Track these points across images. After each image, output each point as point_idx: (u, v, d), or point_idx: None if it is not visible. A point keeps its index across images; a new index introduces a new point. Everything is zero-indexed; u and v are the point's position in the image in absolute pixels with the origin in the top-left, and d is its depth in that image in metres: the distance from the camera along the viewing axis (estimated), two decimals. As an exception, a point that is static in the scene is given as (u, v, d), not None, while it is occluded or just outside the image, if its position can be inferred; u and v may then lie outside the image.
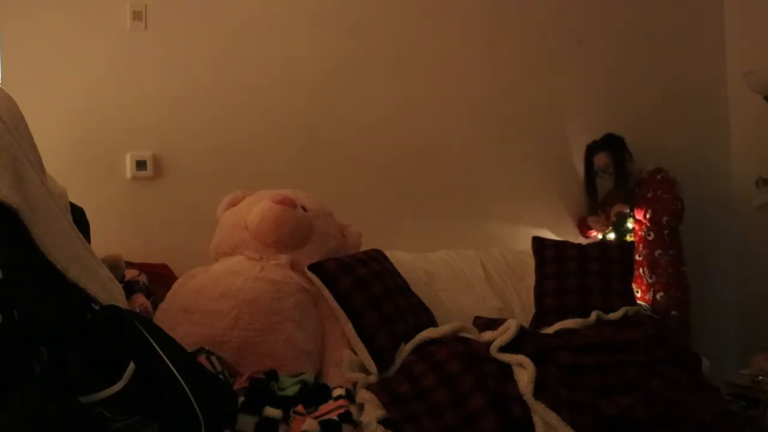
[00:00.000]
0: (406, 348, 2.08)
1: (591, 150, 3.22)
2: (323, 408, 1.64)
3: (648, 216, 2.97)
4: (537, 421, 1.67)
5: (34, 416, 0.93)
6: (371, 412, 1.70)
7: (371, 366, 2.04)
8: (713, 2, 3.64)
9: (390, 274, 2.37)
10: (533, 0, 3.30)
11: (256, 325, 1.94)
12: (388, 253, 2.53)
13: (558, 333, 2.25)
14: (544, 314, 2.64)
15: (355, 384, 1.92)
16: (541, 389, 1.74)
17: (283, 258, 2.18)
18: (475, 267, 2.86)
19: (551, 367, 1.88)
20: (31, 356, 1.02)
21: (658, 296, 2.99)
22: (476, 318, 2.49)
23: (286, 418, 1.56)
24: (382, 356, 2.06)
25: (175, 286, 2.16)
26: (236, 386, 1.68)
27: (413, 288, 2.44)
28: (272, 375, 1.76)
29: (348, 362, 2.01)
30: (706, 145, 3.57)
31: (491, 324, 2.27)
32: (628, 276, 2.76)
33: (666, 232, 3.00)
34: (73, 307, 1.17)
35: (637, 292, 3.02)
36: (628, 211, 3.06)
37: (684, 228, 3.06)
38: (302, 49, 2.90)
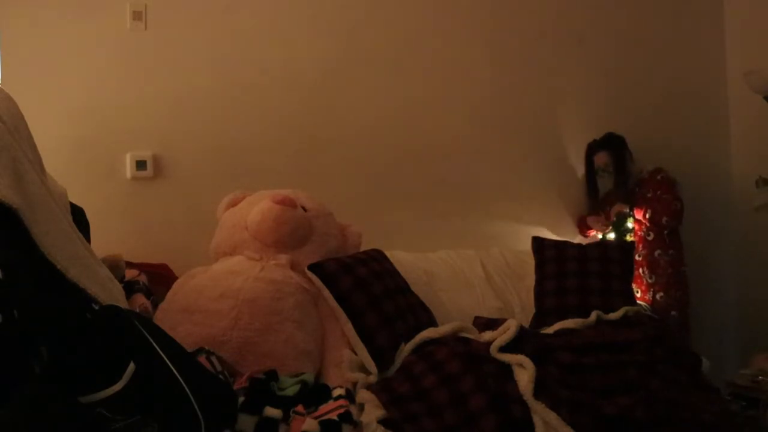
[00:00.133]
0: (406, 348, 2.08)
1: (591, 149, 3.22)
2: (323, 408, 1.64)
3: (648, 216, 2.97)
4: (537, 421, 1.67)
5: (34, 416, 0.93)
6: (371, 412, 1.71)
7: (371, 366, 2.04)
8: (713, 2, 3.64)
9: (390, 274, 2.37)
10: (533, 0, 3.31)
11: (256, 325, 1.94)
12: (388, 253, 2.53)
13: (558, 333, 2.25)
14: (544, 314, 2.64)
15: (355, 384, 1.92)
16: (541, 389, 1.74)
17: (283, 258, 2.18)
18: (475, 267, 2.86)
19: (551, 367, 1.88)
20: (31, 356, 1.02)
21: (657, 296, 2.99)
22: (476, 318, 2.49)
23: (286, 418, 1.56)
24: (382, 356, 2.06)
25: (175, 286, 2.16)
26: (236, 386, 1.68)
27: (413, 288, 2.44)
28: (272, 375, 1.76)
29: (348, 362, 2.01)
30: (706, 145, 3.57)
31: (491, 324, 2.27)
32: (628, 276, 2.76)
33: (666, 232, 3.00)
34: (73, 307, 1.17)
35: (637, 292, 3.02)
36: (627, 210, 3.06)
37: (684, 228, 3.06)
38: (302, 48, 2.90)
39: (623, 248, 2.87)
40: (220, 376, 1.62)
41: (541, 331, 2.28)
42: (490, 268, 2.89)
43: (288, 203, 2.23)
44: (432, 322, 2.31)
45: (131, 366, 1.12)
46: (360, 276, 2.20)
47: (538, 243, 2.91)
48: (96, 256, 1.37)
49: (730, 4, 3.61)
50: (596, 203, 3.25)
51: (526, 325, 2.43)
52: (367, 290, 2.17)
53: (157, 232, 2.64)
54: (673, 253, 3.01)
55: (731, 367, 2.77)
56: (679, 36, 3.56)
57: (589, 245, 2.92)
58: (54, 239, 1.15)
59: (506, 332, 1.99)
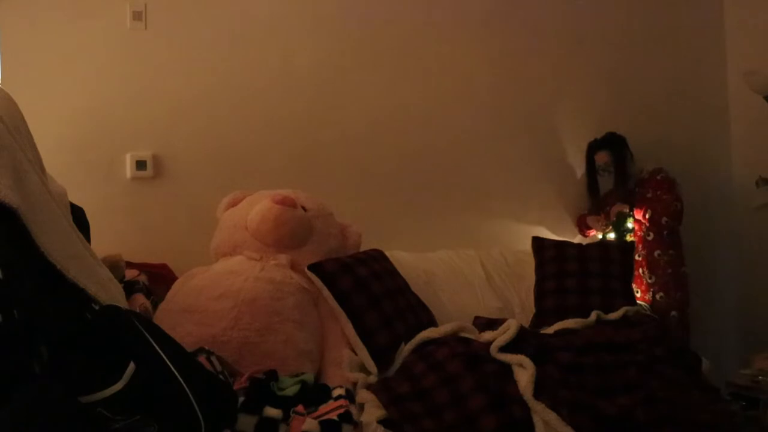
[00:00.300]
0: (406, 348, 2.08)
1: (592, 148, 3.22)
2: (323, 408, 1.65)
3: (647, 216, 2.97)
4: (537, 421, 1.67)
5: (34, 416, 0.93)
6: (371, 412, 1.71)
7: (371, 366, 2.04)
8: (713, 2, 3.64)
9: (390, 274, 2.37)
10: (533, 0, 3.31)
11: (256, 325, 1.94)
12: (388, 253, 2.53)
13: (558, 333, 2.25)
14: (544, 314, 2.64)
15: (355, 384, 1.92)
16: (541, 389, 1.74)
17: (283, 258, 2.18)
18: (475, 267, 2.86)
19: (551, 367, 1.88)
20: (31, 356, 1.02)
21: (657, 296, 2.99)
22: (476, 318, 2.49)
23: (286, 418, 1.56)
24: (382, 356, 2.06)
25: (175, 286, 2.16)
26: (236, 386, 1.68)
27: (413, 288, 2.44)
28: (272, 375, 1.76)
29: (348, 362, 2.01)
30: (706, 145, 3.57)
31: (491, 324, 2.27)
32: (628, 276, 2.77)
33: (665, 232, 2.99)
34: (73, 307, 1.17)
35: (637, 292, 3.01)
36: (627, 210, 3.06)
37: (684, 228, 3.06)
38: (302, 49, 2.90)
39: (623, 248, 2.87)
40: (220, 376, 1.62)
41: (541, 331, 2.29)
42: (490, 268, 2.89)
43: (288, 203, 2.23)
44: (432, 322, 2.31)
45: (131, 366, 1.12)
46: (360, 276, 2.20)
47: (538, 243, 2.91)
48: (96, 256, 1.36)
49: (730, 4, 3.61)
50: (596, 202, 3.25)
51: (526, 325, 2.43)
52: (367, 290, 2.17)
53: (157, 232, 2.64)
54: (673, 253, 3.01)
55: (731, 367, 2.76)
56: (679, 36, 3.57)
57: (589, 245, 2.92)
58: (54, 239, 1.15)
59: (506, 332, 1.99)
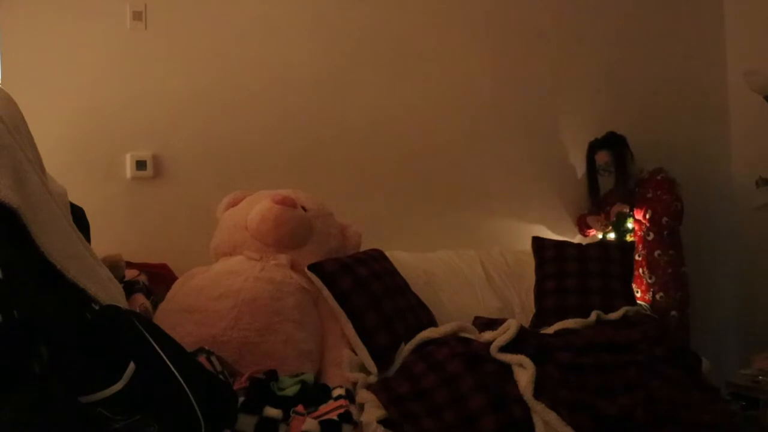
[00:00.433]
0: (406, 348, 2.08)
1: (593, 148, 3.22)
2: (323, 408, 1.65)
3: (648, 216, 2.97)
4: (537, 421, 1.67)
5: (35, 416, 0.93)
6: (371, 412, 1.71)
7: (371, 366, 2.04)
8: (713, 2, 3.64)
9: (390, 274, 2.37)
10: (533, 0, 3.30)
11: (256, 325, 1.94)
12: (388, 253, 2.53)
13: (558, 333, 2.25)
14: (544, 314, 2.64)
15: (355, 384, 1.92)
16: (541, 389, 1.74)
17: (283, 258, 2.18)
18: (475, 267, 2.86)
19: (551, 367, 1.88)
20: (31, 356, 1.02)
21: (657, 296, 2.99)
22: (476, 318, 2.49)
23: (286, 418, 1.56)
24: (382, 356, 2.06)
25: (175, 286, 2.16)
26: (236, 386, 1.68)
27: (413, 288, 2.44)
28: (272, 375, 1.76)
29: (348, 362, 2.01)
30: (706, 145, 3.57)
31: (491, 324, 2.27)
32: (628, 276, 2.77)
33: (665, 232, 3.00)
34: (73, 307, 1.17)
35: (637, 292, 3.01)
36: (628, 210, 3.06)
37: (684, 228, 3.06)
38: (302, 49, 2.90)
39: (623, 248, 2.87)
40: (220, 376, 1.62)
41: (541, 331, 2.29)
42: (490, 268, 2.89)
43: (288, 203, 2.23)
44: (432, 322, 2.31)
45: (131, 366, 1.12)
46: (360, 276, 2.20)
47: (538, 243, 2.91)
48: (96, 256, 1.36)
49: (730, 4, 3.61)
50: (597, 202, 3.25)
51: (526, 325, 2.43)
52: (367, 290, 2.17)
53: (157, 232, 2.64)
54: (673, 254, 3.01)
55: (731, 367, 2.77)
56: (679, 36, 3.57)
57: (589, 245, 2.92)
58: (54, 239, 1.15)
59: (506, 332, 1.99)
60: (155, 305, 2.10)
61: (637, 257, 3.02)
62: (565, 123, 3.36)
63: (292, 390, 1.70)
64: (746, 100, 3.26)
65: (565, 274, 2.72)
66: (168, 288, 2.17)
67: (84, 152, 2.56)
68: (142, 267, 2.36)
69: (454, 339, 2.06)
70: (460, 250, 2.96)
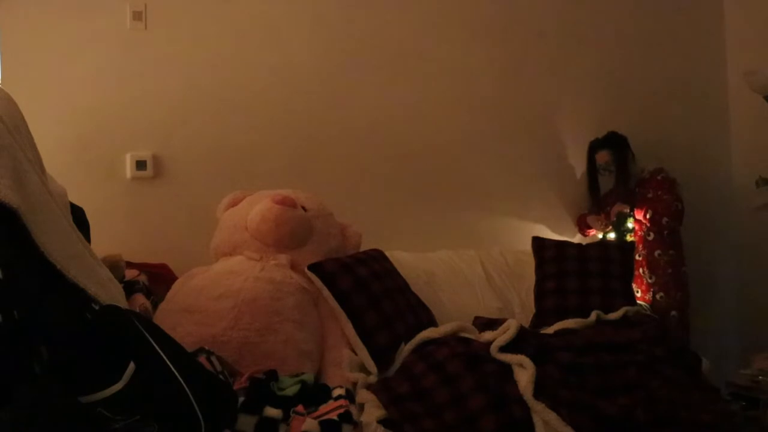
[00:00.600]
0: (406, 348, 2.08)
1: (593, 147, 3.22)
2: (323, 408, 1.65)
3: (648, 216, 2.97)
4: (537, 421, 1.67)
5: (35, 416, 0.93)
6: (371, 412, 1.71)
7: (371, 366, 2.04)
8: (713, 2, 3.64)
9: (390, 274, 2.37)
10: (533, 0, 3.31)
11: (256, 325, 1.94)
12: (388, 253, 2.53)
13: (558, 333, 2.25)
14: (544, 314, 2.64)
15: (355, 384, 1.92)
16: (541, 389, 1.74)
17: (283, 258, 2.18)
18: (475, 267, 2.86)
19: (551, 367, 1.88)
20: (31, 356, 1.02)
21: (658, 296, 2.99)
22: (476, 318, 2.49)
23: (286, 418, 1.56)
24: (382, 356, 2.06)
25: (175, 286, 2.16)
26: (236, 386, 1.68)
27: (413, 288, 2.44)
28: (272, 375, 1.76)
29: (348, 362, 2.01)
30: (706, 145, 3.57)
31: (491, 324, 2.27)
32: (628, 276, 2.76)
33: (666, 232, 2.99)
34: (73, 307, 1.17)
35: (637, 292, 3.01)
36: (628, 211, 3.06)
37: (684, 228, 3.06)
38: (303, 49, 2.90)
39: (623, 248, 2.87)
40: (220, 376, 1.62)
41: (541, 331, 2.29)
42: (490, 268, 2.89)
43: (288, 203, 2.23)
44: (432, 322, 2.31)
45: (131, 366, 1.12)
46: (360, 276, 2.20)
47: (538, 243, 2.91)
48: (96, 256, 1.36)
49: (730, 4, 3.61)
50: (597, 202, 3.25)
51: (526, 325, 2.43)
52: (367, 290, 2.17)
53: (157, 232, 2.64)
54: (673, 254, 3.01)
55: (731, 367, 2.77)
56: (679, 36, 3.56)
57: (589, 245, 2.92)
58: (54, 239, 1.15)
59: (506, 332, 1.98)
60: (155, 305, 2.10)
61: (637, 257, 3.01)
62: (565, 123, 3.36)
63: (292, 390, 1.70)
64: (746, 100, 3.26)
65: (565, 274, 2.72)
66: (168, 288, 2.17)
67: (84, 152, 2.56)
68: (142, 267, 2.36)
69: (454, 339, 2.06)
70: (460, 250, 2.96)
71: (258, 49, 2.84)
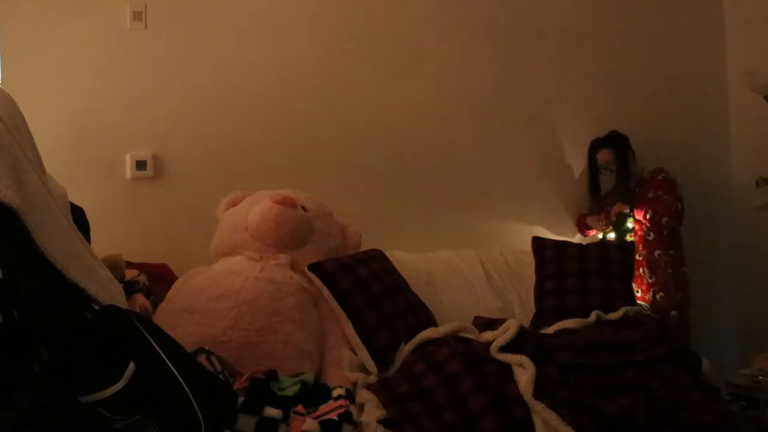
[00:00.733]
0: (406, 348, 2.08)
1: (594, 146, 3.22)
2: (323, 408, 1.65)
3: (648, 216, 2.97)
4: (537, 421, 1.67)
5: (35, 416, 0.93)
6: (371, 412, 1.71)
7: (371, 366, 2.04)
8: (713, 2, 3.64)
9: (390, 274, 2.37)
10: (533, 0, 3.31)
11: (256, 325, 1.94)
12: (388, 253, 2.53)
13: (558, 333, 2.25)
14: (544, 314, 2.64)
15: (355, 384, 1.92)
16: (541, 389, 1.74)
17: (283, 258, 2.18)
18: (475, 267, 2.86)
19: (551, 367, 1.88)
20: (31, 356, 1.02)
21: (658, 296, 2.99)
22: (476, 318, 2.49)
23: (286, 418, 1.56)
24: (382, 356, 2.06)
25: (175, 286, 2.16)
26: (236, 386, 1.68)
27: (413, 288, 2.44)
28: (272, 375, 1.76)
29: (348, 362, 2.01)
30: (706, 145, 3.57)
31: (491, 324, 2.27)
32: (628, 276, 2.76)
33: (666, 232, 3.00)
34: (73, 307, 1.17)
35: (637, 292, 3.02)
36: (628, 211, 3.06)
37: (684, 228, 3.06)
38: (303, 49, 2.90)
39: (623, 248, 2.87)
40: (220, 376, 1.62)
41: (541, 331, 2.29)
42: (490, 268, 2.89)
43: (288, 203, 2.23)
44: (432, 322, 2.31)
45: (131, 366, 1.12)
46: (360, 276, 2.20)
47: (538, 243, 2.91)
48: (96, 256, 1.36)
49: (730, 4, 3.61)
50: (597, 202, 3.25)
51: (526, 325, 2.43)
52: (367, 290, 2.17)
53: (157, 232, 2.64)
54: (673, 254, 3.01)
55: (731, 367, 2.77)
56: (679, 36, 3.57)
57: (589, 245, 2.92)
58: (54, 239, 1.15)
59: (506, 332, 1.99)
60: (155, 305, 2.10)
61: (637, 257, 3.02)
62: (565, 123, 3.36)
63: (292, 390, 1.70)
64: (746, 100, 3.26)
65: (565, 274, 2.72)
66: (168, 288, 2.17)
67: (84, 152, 2.56)
68: (142, 267, 2.36)
69: (454, 339, 2.06)
70: (460, 250, 2.96)
71: (258, 48, 2.84)
